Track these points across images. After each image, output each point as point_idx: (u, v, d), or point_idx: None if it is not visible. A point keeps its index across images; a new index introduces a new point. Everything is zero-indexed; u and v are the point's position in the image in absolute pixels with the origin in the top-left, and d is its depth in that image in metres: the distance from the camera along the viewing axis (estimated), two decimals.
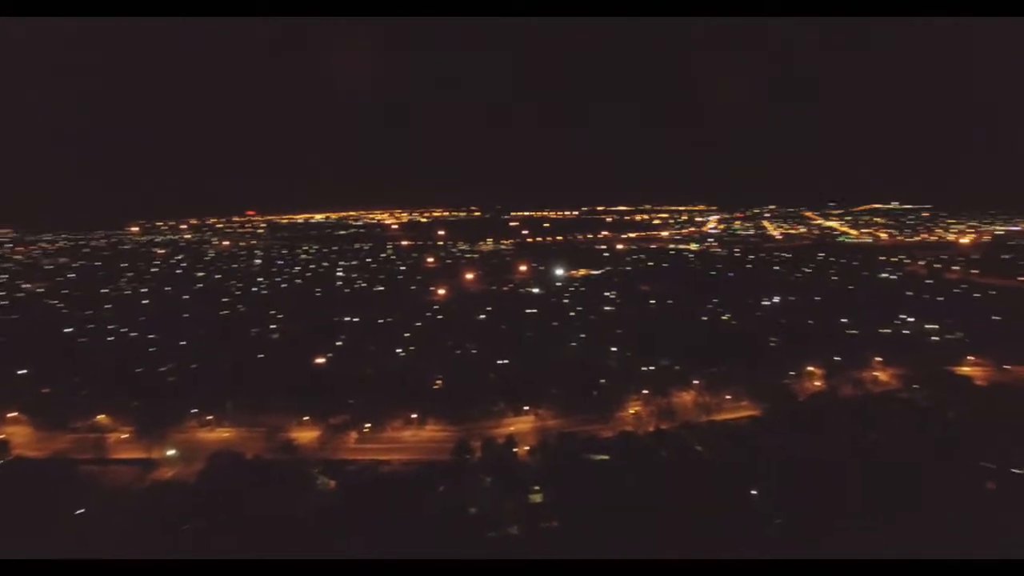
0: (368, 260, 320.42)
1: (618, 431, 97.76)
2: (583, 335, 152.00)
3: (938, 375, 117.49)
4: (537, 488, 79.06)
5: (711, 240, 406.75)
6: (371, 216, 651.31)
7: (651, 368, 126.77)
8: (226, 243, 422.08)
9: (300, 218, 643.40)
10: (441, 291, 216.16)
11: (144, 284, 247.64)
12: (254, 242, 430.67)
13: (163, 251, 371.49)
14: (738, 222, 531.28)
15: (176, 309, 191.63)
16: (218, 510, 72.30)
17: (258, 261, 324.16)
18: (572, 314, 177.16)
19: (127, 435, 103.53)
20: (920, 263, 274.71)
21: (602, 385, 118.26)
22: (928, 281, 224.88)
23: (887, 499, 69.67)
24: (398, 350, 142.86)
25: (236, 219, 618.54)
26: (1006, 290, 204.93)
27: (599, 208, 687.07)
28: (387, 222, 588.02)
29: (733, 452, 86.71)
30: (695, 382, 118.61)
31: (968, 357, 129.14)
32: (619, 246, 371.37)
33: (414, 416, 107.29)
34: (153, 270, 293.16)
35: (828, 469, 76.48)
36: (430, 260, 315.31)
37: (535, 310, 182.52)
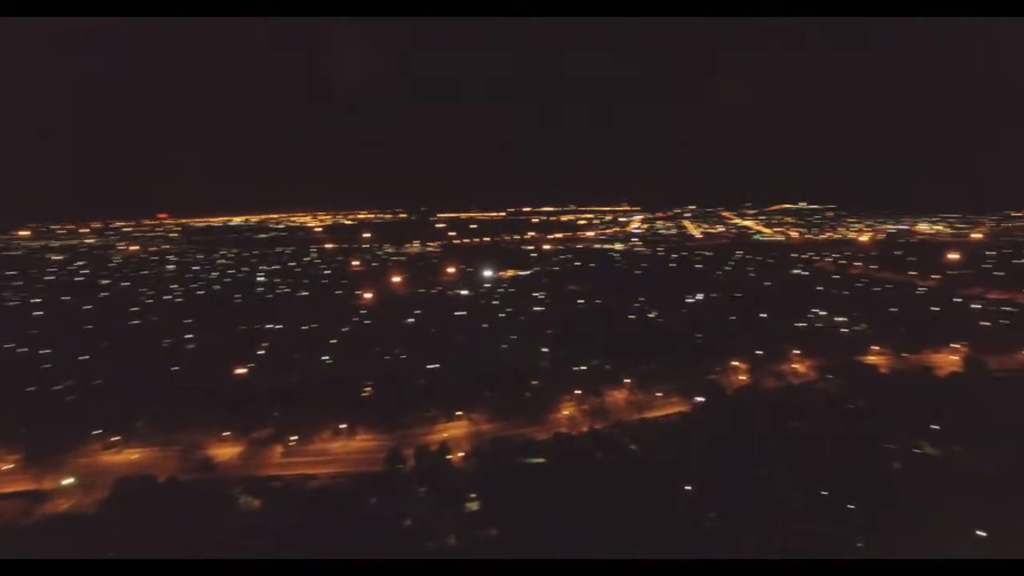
0: (291, 264, 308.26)
1: (553, 433, 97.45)
2: (514, 337, 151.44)
3: (848, 365, 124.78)
4: (473, 496, 77.32)
5: (635, 240, 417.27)
6: (293, 219, 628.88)
7: (583, 368, 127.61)
8: (134, 248, 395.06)
9: (217, 221, 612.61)
10: (368, 295, 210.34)
11: (37, 294, 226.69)
12: (166, 247, 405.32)
13: (60, 257, 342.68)
14: (660, 222, 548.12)
15: (76, 320, 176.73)
16: (122, 541, 66.15)
17: (171, 267, 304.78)
18: (502, 315, 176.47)
19: (11, 465, 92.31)
20: (828, 260, 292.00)
21: (535, 387, 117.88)
22: (835, 276, 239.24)
23: (813, 485, 72.39)
24: (324, 357, 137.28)
25: (147, 222, 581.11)
26: (899, 284, 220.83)
27: (525, 209, 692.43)
28: (310, 225, 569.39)
29: (666, 449, 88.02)
30: (626, 380, 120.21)
31: (872, 347, 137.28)
32: (546, 247, 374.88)
33: (343, 426, 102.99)
34: (48, 278, 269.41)
35: (757, 461, 79.03)
36: (355, 263, 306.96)
37: (464, 312, 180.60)
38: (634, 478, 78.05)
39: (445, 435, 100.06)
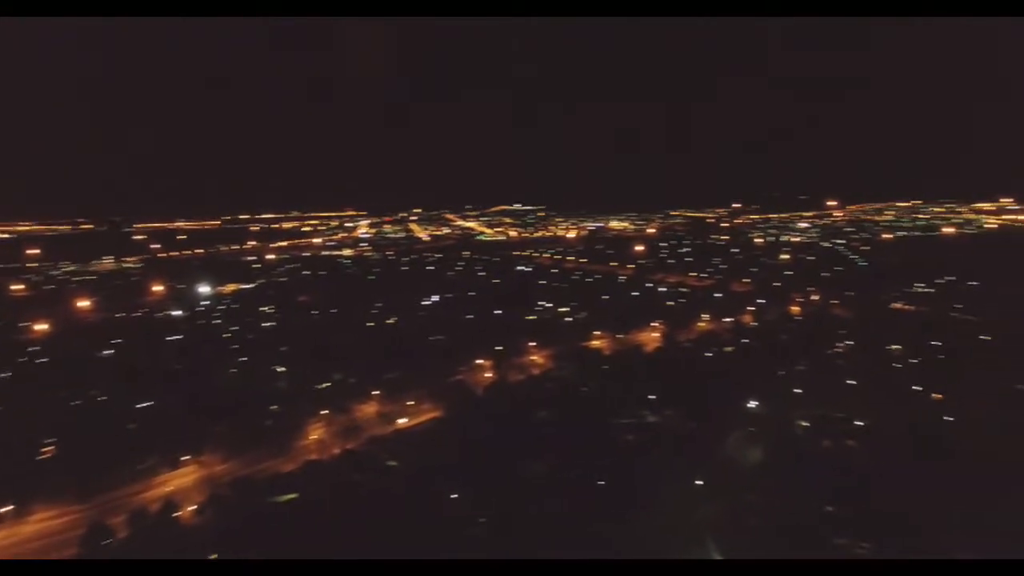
0: None
1: (302, 462, 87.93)
2: (243, 358, 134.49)
3: (577, 351, 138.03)
4: (214, 555, 64.95)
5: (364, 245, 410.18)
6: None
7: (326, 385, 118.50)
8: None
9: None
10: (41, 327, 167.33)
11: None
12: None
13: None
14: (387, 226, 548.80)
15: None
16: None
17: None
18: (227, 336, 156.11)
19: None
20: (545, 256, 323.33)
21: (274, 412, 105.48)
22: (554, 271, 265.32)
23: (573, 472, 76.74)
24: None
25: None
26: (605, 274, 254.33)
27: (243, 217, 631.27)
28: None
29: (425, 458, 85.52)
30: (374, 392, 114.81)
31: (594, 332, 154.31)
32: (270, 256, 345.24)
33: (9, 507, 78.13)
34: None
35: (515, 454, 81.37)
36: (17, 288, 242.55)
37: (179, 336, 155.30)
38: (398, 494, 74.25)
39: (169, 488, 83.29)
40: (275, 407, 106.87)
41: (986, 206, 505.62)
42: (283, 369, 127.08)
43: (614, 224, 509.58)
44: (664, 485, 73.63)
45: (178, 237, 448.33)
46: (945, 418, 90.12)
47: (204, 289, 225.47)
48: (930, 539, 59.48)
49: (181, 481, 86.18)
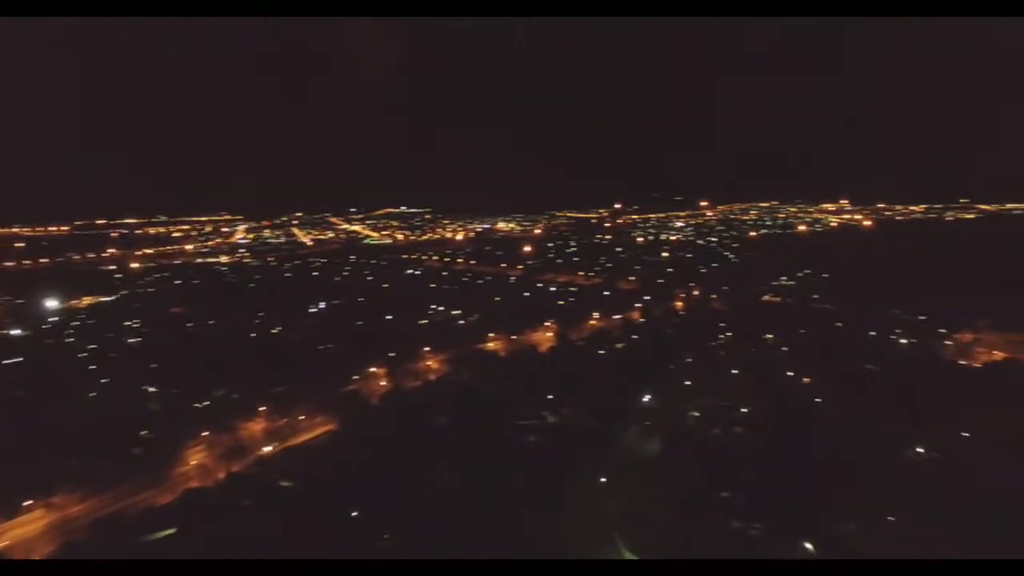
0: None
1: (180, 491, 79.45)
2: (105, 379, 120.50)
3: (472, 354, 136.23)
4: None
5: (243, 251, 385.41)
6: None
7: (205, 404, 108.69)
8: None
9: None
10: None
11: None
12: None
13: None
14: (267, 230, 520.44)
15: None
16: None
17: None
18: (84, 355, 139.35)
19: None
20: (434, 259, 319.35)
21: (145, 438, 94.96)
22: (444, 273, 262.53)
23: (477, 478, 74.78)
24: None
25: None
26: (496, 275, 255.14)
27: (100, 222, 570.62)
28: None
29: (321, 477, 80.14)
30: (261, 408, 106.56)
31: (489, 334, 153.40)
32: (134, 265, 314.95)
33: None
34: None
35: (416, 464, 78.39)
36: None
37: (20, 359, 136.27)
38: (292, 517, 68.83)
39: (6, 543, 71.84)
40: (146, 432, 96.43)
41: (829, 206, 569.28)
42: (154, 389, 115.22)
43: (501, 225, 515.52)
44: (568, 485, 73.80)
45: (16, 245, 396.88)
46: (815, 400, 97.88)
47: (51, 304, 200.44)
48: (813, 514, 63.88)
49: (23, 531, 74.51)
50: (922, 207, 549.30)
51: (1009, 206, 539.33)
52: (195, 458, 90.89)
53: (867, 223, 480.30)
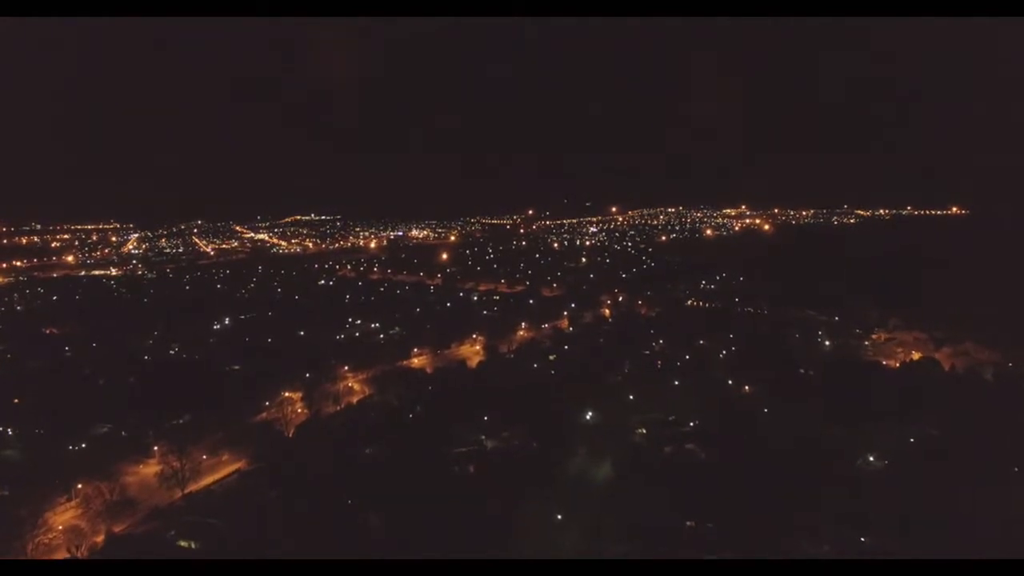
0: None
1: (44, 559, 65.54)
2: None
3: (397, 372, 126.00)
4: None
5: (135, 262, 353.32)
6: None
7: (81, 445, 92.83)
8: None
9: None
10: None
11: None
12: None
13: None
14: (164, 239, 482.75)
15: None
16: None
17: None
18: None
19: None
20: (347, 267, 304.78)
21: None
22: (359, 283, 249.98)
23: (413, 517, 66.52)
24: None
25: None
26: (414, 284, 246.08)
27: None
28: None
29: (230, 528, 68.89)
30: (155, 447, 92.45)
31: (413, 349, 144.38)
32: None
33: None
34: None
35: (343, 505, 69.55)
36: None
37: None
38: None
39: None
40: None
41: (730, 211, 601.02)
42: (16, 431, 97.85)
43: (415, 232, 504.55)
44: (517, 519, 67.04)
45: None
46: (762, 410, 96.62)
47: None
48: (775, 538, 60.75)
49: None
50: (811, 211, 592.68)
51: (882, 212, 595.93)
52: (64, 517, 75.57)
53: (766, 227, 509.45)
